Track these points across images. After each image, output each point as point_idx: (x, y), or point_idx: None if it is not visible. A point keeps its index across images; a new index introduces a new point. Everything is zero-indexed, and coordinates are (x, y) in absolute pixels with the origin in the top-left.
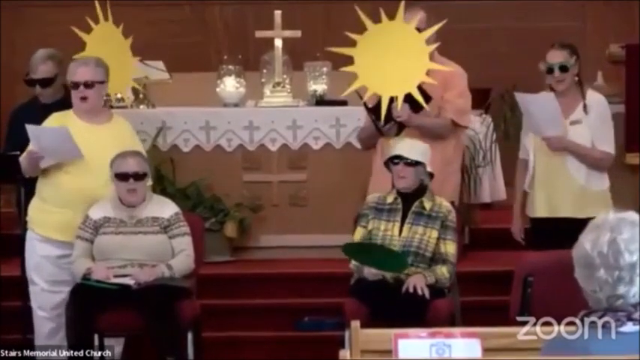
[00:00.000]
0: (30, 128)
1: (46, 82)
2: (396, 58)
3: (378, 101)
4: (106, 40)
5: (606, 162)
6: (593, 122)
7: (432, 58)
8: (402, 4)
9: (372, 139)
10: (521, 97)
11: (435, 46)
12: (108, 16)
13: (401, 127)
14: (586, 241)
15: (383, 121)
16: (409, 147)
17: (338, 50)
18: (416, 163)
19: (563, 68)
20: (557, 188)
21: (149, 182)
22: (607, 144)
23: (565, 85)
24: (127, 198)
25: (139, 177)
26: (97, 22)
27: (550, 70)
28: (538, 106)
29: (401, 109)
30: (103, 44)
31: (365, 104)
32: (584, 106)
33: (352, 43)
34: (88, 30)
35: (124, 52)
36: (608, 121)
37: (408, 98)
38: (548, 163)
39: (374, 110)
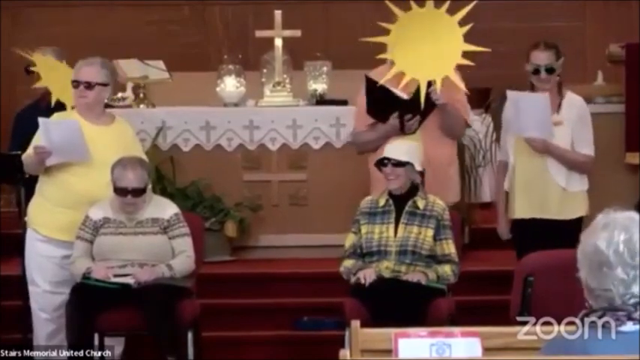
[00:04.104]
0: (41, 120)
1: None
2: (431, 43)
3: (414, 93)
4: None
5: (588, 165)
6: (574, 124)
7: None
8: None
9: (380, 141)
10: (514, 95)
11: (468, 27)
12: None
13: (419, 123)
14: (599, 240)
15: (409, 115)
16: (396, 148)
17: (372, 40)
18: (404, 164)
19: (550, 70)
20: (539, 190)
21: (149, 186)
22: (587, 147)
23: (550, 85)
24: (125, 209)
25: (137, 193)
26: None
27: (536, 71)
28: (530, 106)
29: (440, 92)
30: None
31: (383, 99)
32: (559, 106)
33: (385, 32)
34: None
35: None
36: (588, 124)
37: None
38: (530, 165)
39: (405, 104)
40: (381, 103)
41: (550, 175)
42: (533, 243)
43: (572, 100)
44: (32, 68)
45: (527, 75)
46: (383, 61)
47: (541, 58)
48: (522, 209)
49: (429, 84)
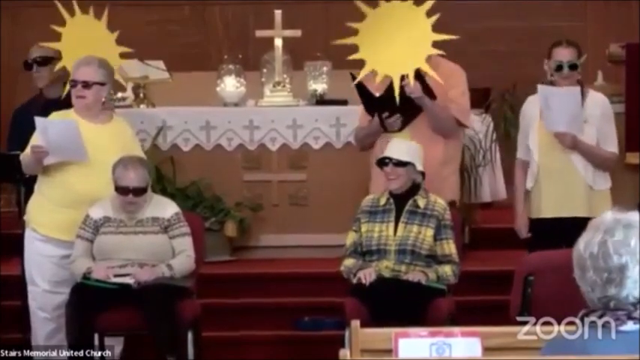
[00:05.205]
0: (38, 120)
1: (42, 62)
2: (400, 37)
3: (385, 91)
4: (82, 31)
5: (613, 162)
6: (599, 122)
7: (429, 59)
8: None
9: (370, 137)
10: (545, 90)
11: (436, 17)
12: (74, 12)
13: (405, 122)
14: (581, 242)
15: (386, 112)
16: (397, 147)
17: (341, 42)
18: (405, 164)
19: (573, 66)
20: (565, 187)
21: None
22: (612, 144)
23: (570, 82)
24: (126, 208)
25: (138, 192)
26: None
27: (559, 68)
28: (561, 101)
29: (414, 86)
30: (79, 36)
31: (366, 96)
32: (582, 104)
33: (354, 33)
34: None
35: (106, 43)
36: (612, 121)
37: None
38: (556, 162)
39: (379, 102)
40: (365, 100)
41: (577, 171)
42: (554, 243)
43: (596, 98)
44: (59, 28)
45: (545, 74)
46: None
47: (564, 54)
48: (547, 208)
49: (402, 78)
